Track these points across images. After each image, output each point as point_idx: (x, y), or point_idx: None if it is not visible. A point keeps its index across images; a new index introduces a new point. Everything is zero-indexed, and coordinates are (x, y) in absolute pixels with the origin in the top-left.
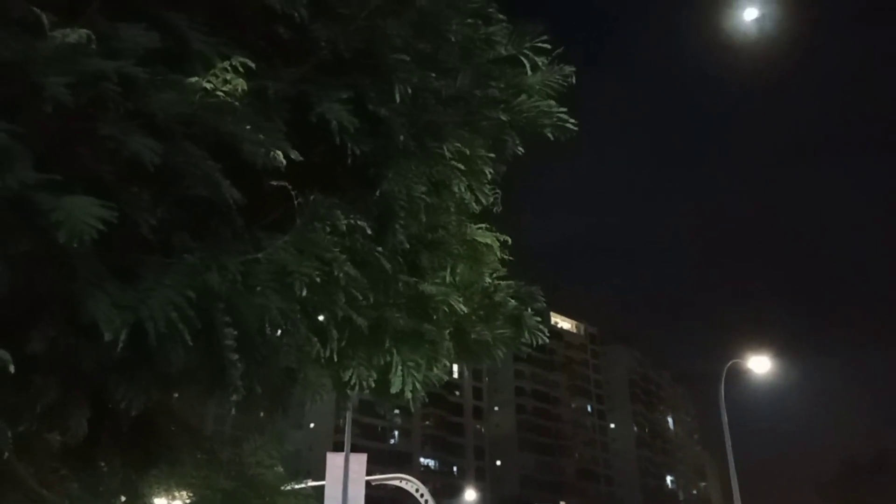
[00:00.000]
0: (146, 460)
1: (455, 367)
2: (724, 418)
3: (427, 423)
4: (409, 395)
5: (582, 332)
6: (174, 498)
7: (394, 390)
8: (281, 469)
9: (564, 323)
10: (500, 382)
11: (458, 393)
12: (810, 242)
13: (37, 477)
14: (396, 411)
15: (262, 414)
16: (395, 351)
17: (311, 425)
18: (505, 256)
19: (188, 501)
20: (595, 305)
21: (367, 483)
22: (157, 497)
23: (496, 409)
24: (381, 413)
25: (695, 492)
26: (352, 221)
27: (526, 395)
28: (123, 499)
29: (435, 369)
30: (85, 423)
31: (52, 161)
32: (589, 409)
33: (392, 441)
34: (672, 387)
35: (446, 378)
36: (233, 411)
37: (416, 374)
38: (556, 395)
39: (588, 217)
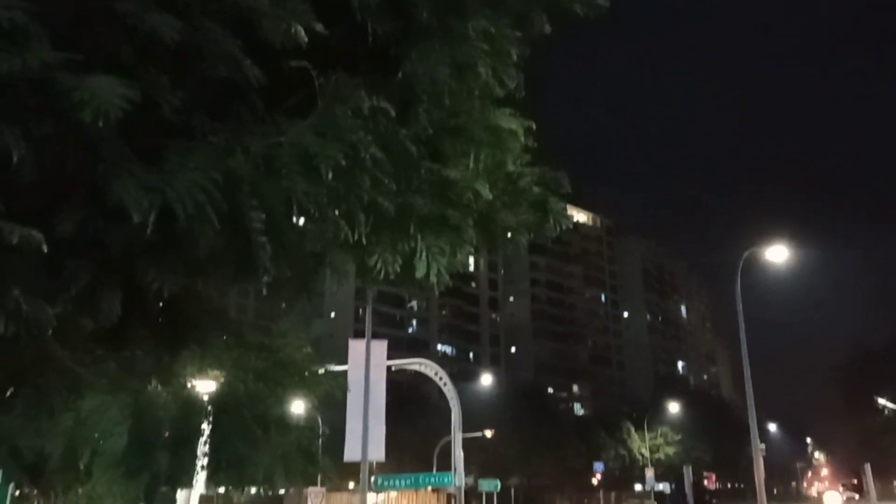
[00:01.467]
0: (176, 342)
1: (471, 259)
2: (739, 307)
3: (444, 312)
4: (433, 279)
5: (598, 224)
6: (207, 377)
7: (418, 275)
8: (310, 350)
9: (580, 215)
10: (516, 274)
11: (473, 284)
12: (828, 133)
13: (73, 358)
14: (414, 302)
15: (285, 303)
16: (419, 237)
17: (332, 314)
18: (529, 143)
19: (221, 380)
20: (613, 198)
21: (388, 368)
22: (191, 377)
23: (511, 299)
24: (403, 297)
25: (705, 377)
26: (375, 103)
27: (540, 285)
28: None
29: (458, 255)
30: (118, 306)
31: (71, 41)
32: (603, 298)
33: (410, 329)
34: (687, 276)
35: (470, 264)
36: (263, 292)
37: (440, 259)
38: (571, 286)
39: (608, 109)
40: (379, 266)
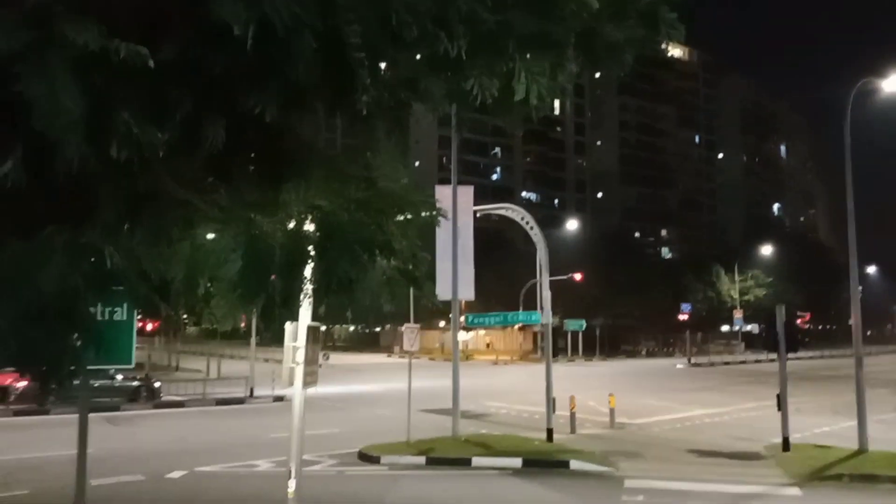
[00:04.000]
0: (279, 175)
1: (556, 103)
2: (847, 141)
3: (528, 159)
4: (533, 101)
5: (695, 59)
6: (313, 208)
7: (518, 98)
8: (406, 181)
9: (676, 50)
10: (604, 117)
11: (559, 129)
12: None
13: (185, 189)
14: (497, 150)
15: (379, 136)
16: (517, 56)
17: (416, 164)
18: None
19: (326, 210)
20: (711, 30)
21: (474, 214)
22: (296, 207)
23: (598, 143)
24: (487, 145)
25: (802, 219)
26: None
27: (630, 128)
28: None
29: (559, 77)
30: (222, 133)
31: None
32: (696, 140)
33: (494, 177)
34: (788, 115)
35: (571, 86)
36: (364, 112)
37: (540, 81)
38: (662, 128)
39: None
40: (475, 91)
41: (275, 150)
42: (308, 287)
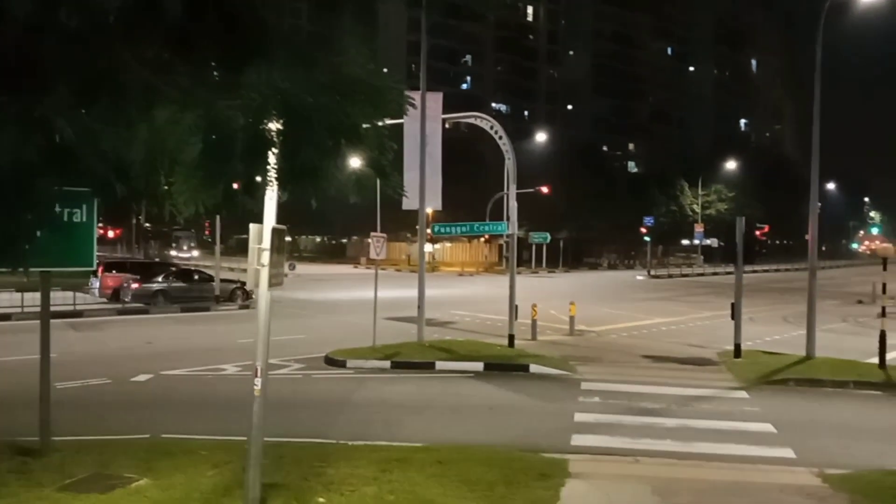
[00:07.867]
0: (242, 58)
1: (530, 10)
2: (819, 54)
3: (499, 68)
4: None
5: None
6: (276, 91)
7: None
8: (373, 67)
9: None
10: (578, 25)
11: (531, 37)
12: None
13: (144, 65)
14: (468, 57)
15: (346, 19)
16: None
17: (384, 70)
18: None
19: (290, 92)
20: None
21: (443, 123)
22: (258, 90)
23: (571, 53)
24: (457, 51)
25: (768, 134)
26: None
27: (604, 38)
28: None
29: None
30: (179, 3)
31: None
32: (669, 51)
33: (464, 86)
34: (763, 26)
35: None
36: None
37: None
38: (637, 38)
39: None
40: None
41: (237, 34)
42: (272, 174)
